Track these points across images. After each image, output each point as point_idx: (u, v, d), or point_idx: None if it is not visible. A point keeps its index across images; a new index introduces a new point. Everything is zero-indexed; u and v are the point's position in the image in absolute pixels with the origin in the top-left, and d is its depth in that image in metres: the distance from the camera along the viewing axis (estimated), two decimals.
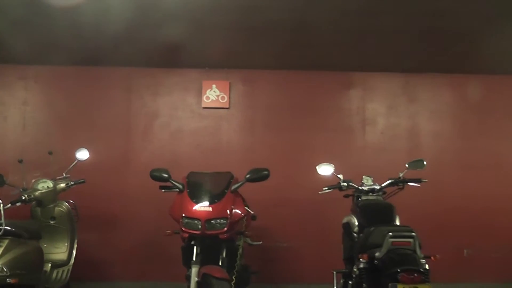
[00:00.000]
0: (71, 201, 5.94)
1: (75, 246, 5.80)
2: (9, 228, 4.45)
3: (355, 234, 5.08)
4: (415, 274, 3.84)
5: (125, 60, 7.32)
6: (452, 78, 7.81)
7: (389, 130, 7.75)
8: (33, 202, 5.55)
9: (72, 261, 5.71)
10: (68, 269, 5.66)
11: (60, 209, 5.76)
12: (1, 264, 4.22)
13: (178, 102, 7.61)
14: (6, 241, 4.40)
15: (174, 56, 7.14)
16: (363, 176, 5.51)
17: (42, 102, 7.56)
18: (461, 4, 5.40)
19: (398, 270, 3.87)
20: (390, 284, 3.84)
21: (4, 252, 4.31)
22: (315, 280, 6.64)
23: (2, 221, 4.35)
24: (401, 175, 5.47)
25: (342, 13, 5.68)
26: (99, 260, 6.98)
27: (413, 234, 4.17)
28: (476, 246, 7.48)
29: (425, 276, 3.89)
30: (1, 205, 4.41)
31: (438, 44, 6.70)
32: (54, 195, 5.75)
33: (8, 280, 4.22)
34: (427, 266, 4.08)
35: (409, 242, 4.11)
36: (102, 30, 6.10)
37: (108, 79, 7.59)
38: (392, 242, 4.13)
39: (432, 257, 4.16)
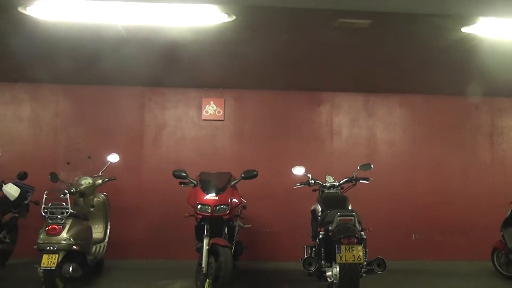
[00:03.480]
0: (104, 193, 7.20)
1: (109, 227, 7.08)
2: (72, 211, 5.90)
3: (319, 218, 6.10)
4: (352, 239, 5.18)
5: (139, 81, 8.40)
6: (403, 97, 9.06)
7: (352, 138, 8.97)
8: (77, 194, 6.78)
9: (106, 239, 6.99)
10: (104, 245, 6.93)
11: (98, 199, 7.05)
12: (69, 236, 5.71)
13: (182, 115, 8.76)
14: (71, 220, 5.85)
15: (179, 78, 8.22)
16: (326, 175, 6.67)
17: (71, 115, 8.59)
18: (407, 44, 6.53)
19: (342, 236, 5.21)
20: (336, 246, 5.20)
21: (70, 228, 5.77)
22: (291, 259, 7.38)
23: (69, 206, 5.86)
24: (354, 174, 6.65)
25: (313, 48, 6.63)
26: (120, 241, 7.90)
27: (354, 214, 5.46)
28: (422, 231, 8.80)
29: (359, 241, 5.24)
30: (68, 195, 5.95)
31: (391, 71, 7.74)
32: (94, 189, 7.00)
33: (73, 247, 5.72)
34: (364, 236, 5.47)
35: (351, 219, 5.40)
36: (121, 60, 7.01)
37: (125, 97, 8.71)
38: (340, 219, 5.40)
39: (367, 229, 5.53)
